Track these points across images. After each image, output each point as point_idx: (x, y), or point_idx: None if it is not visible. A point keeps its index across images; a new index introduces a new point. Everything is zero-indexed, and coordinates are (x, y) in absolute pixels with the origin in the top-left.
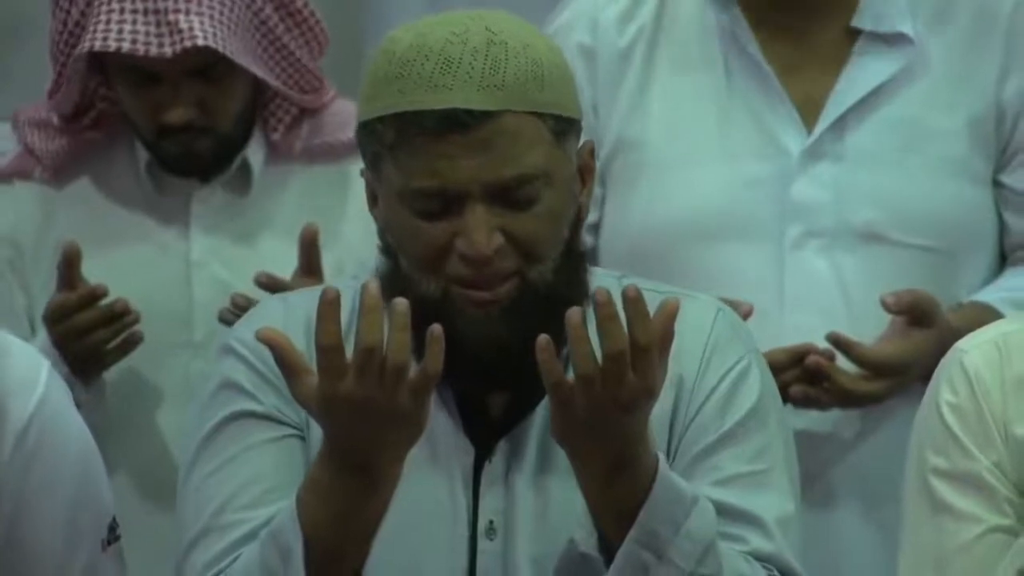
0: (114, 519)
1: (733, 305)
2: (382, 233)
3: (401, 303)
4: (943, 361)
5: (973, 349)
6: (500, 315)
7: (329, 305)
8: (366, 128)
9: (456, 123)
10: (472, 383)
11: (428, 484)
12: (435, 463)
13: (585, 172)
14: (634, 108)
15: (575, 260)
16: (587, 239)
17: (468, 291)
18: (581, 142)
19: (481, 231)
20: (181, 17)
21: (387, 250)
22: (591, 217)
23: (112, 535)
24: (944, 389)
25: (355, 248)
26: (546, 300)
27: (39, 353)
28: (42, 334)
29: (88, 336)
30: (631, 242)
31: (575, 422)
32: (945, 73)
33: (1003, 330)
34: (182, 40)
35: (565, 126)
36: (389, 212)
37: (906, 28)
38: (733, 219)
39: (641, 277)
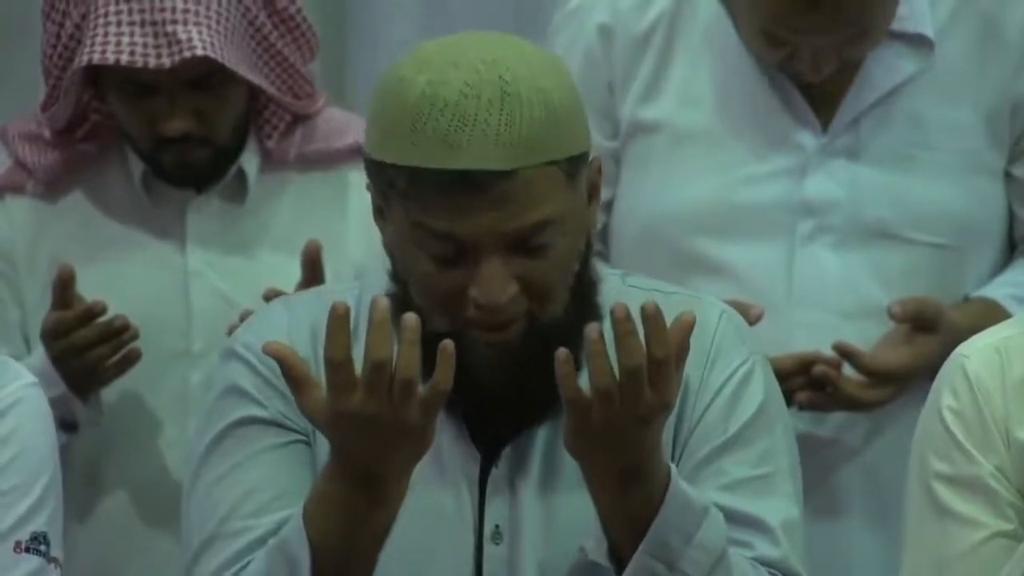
0: (45, 536)
1: (744, 307)
2: (388, 251)
3: (411, 318)
4: (944, 366)
5: (974, 354)
6: (511, 353)
7: (338, 319)
8: (375, 165)
9: (472, 183)
10: (479, 407)
11: (434, 490)
12: (441, 470)
13: (592, 189)
14: (649, 93)
15: (586, 288)
16: (600, 216)
17: (481, 332)
18: (597, 120)
19: (497, 283)
20: (179, 28)
21: (395, 276)
22: (605, 194)
23: (34, 544)
24: (946, 394)
25: (355, 255)
26: (556, 334)
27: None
28: (39, 351)
29: (87, 353)
30: (642, 226)
31: (591, 435)
32: (961, 69)
33: (1004, 334)
34: (181, 51)
35: (577, 163)
36: (399, 244)
37: (926, 30)
38: (744, 212)
39: (642, 268)
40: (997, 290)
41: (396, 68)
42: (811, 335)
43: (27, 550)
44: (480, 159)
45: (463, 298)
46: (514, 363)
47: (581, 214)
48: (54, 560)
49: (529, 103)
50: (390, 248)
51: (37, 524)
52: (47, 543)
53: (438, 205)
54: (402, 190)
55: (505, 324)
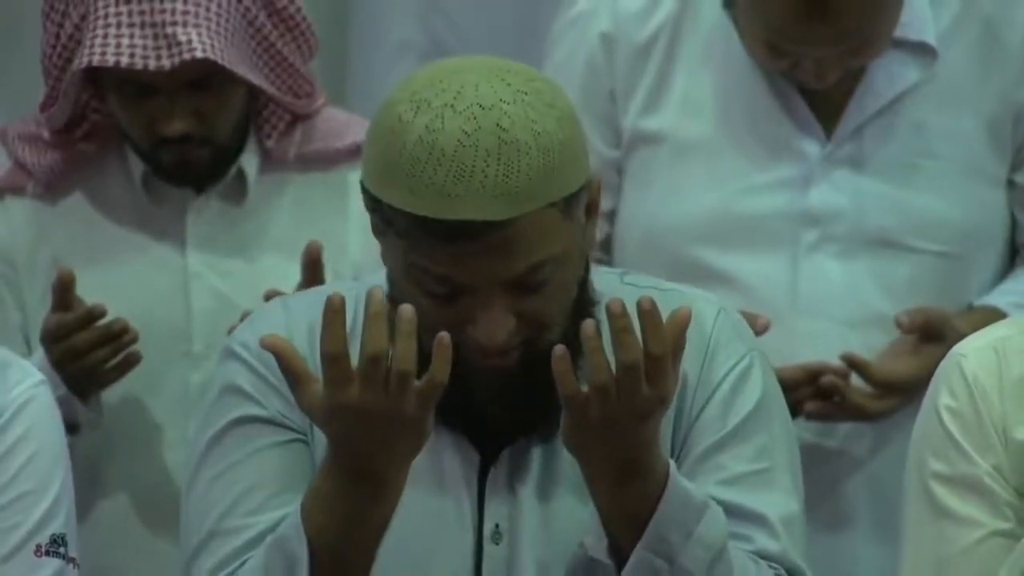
0: (63, 538)
1: (750, 318)
2: (385, 263)
3: (406, 309)
4: (942, 365)
5: (971, 353)
6: (508, 376)
7: (334, 313)
8: (373, 198)
9: (469, 232)
10: (478, 418)
11: (434, 491)
12: (440, 471)
13: (592, 206)
14: (652, 103)
15: (583, 310)
16: (603, 226)
17: (478, 359)
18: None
19: (496, 326)
20: (179, 30)
21: (391, 293)
22: (608, 204)
23: (53, 547)
24: (943, 393)
25: (354, 256)
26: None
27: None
28: (39, 353)
29: (87, 356)
30: (644, 235)
31: (588, 431)
32: (964, 77)
33: (1001, 334)
34: (180, 53)
35: (575, 197)
36: (395, 273)
37: (929, 38)
38: (748, 222)
39: (643, 273)
40: (1000, 298)
41: (393, 103)
42: (816, 344)
43: (47, 553)
44: (478, 210)
45: (460, 331)
46: (511, 383)
47: (580, 242)
48: (72, 560)
49: (527, 151)
50: (387, 266)
51: (55, 526)
52: (65, 544)
53: (436, 251)
54: (400, 230)
55: (503, 352)
